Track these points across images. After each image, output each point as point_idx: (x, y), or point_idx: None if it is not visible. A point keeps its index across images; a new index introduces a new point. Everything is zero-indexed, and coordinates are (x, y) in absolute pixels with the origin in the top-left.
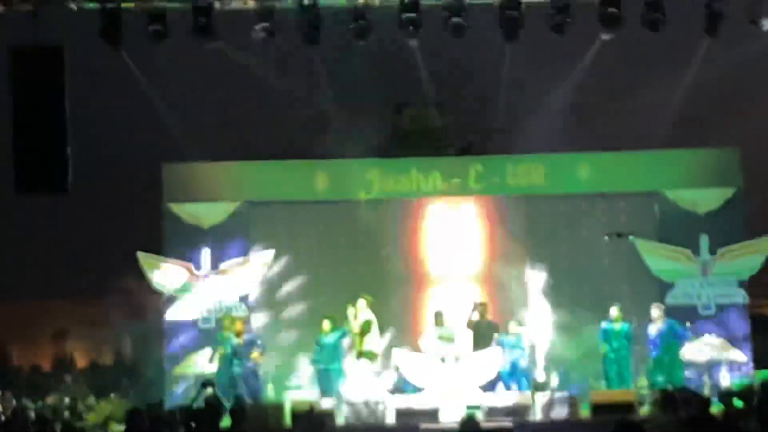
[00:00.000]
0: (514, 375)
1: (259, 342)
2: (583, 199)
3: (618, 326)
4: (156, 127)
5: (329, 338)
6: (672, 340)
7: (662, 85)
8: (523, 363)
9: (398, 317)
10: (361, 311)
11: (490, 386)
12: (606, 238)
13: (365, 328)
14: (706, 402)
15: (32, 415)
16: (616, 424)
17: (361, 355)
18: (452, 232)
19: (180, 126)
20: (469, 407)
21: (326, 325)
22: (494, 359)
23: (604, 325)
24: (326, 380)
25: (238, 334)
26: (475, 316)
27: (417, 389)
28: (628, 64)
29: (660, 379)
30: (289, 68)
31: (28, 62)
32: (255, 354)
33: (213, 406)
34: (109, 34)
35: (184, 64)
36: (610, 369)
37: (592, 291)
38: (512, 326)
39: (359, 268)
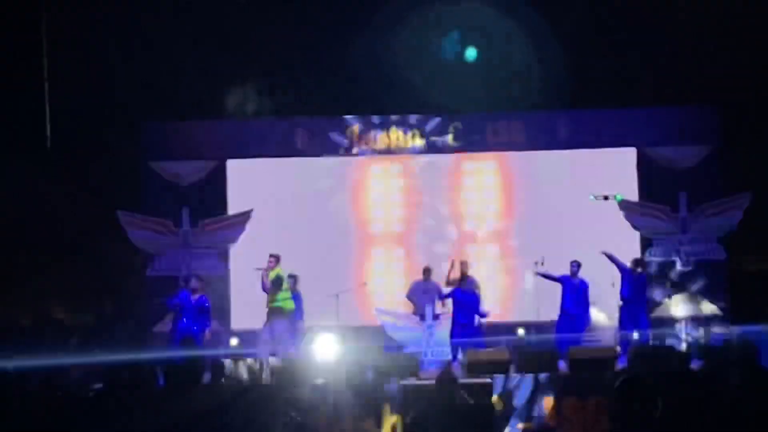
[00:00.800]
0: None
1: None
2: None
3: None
4: (136, 83)
5: None
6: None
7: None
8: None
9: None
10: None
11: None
12: (592, 197)
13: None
14: (686, 357)
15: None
16: (620, 382)
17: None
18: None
19: (160, 83)
20: (447, 362)
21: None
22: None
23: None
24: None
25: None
26: (455, 273)
27: (397, 346)
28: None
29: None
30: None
31: (4, 16)
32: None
33: (193, 362)
34: None
35: (166, 19)
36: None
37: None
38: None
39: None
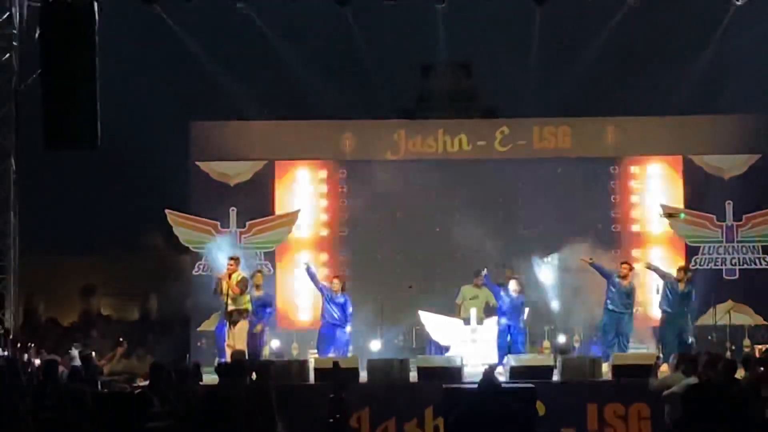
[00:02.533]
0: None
1: (269, 309)
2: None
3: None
4: (185, 84)
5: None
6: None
7: (688, 51)
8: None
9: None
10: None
11: (515, 347)
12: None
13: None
14: (733, 365)
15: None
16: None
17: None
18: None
19: (209, 84)
20: (489, 367)
21: (336, 284)
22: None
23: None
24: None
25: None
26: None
27: (440, 349)
28: (655, 29)
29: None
30: (317, 29)
31: (58, 18)
32: (259, 326)
33: (240, 362)
34: None
35: (215, 22)
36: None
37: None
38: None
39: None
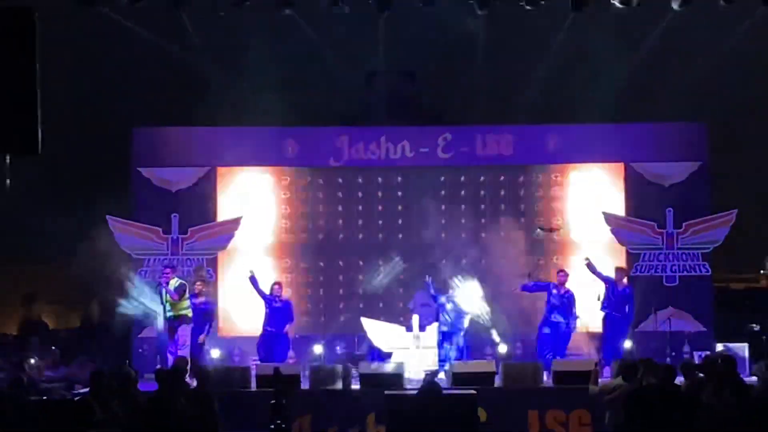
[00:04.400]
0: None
1: (212, 322)
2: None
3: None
4: (127, 90)
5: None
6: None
7: (628, 58)
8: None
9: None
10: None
11: (458, 354)
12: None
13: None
14: (672, 372)
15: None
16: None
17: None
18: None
19: (151, 90)
20: (430, 373)
21: (277, 290)
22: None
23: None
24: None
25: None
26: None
27: (383, 356)
28: (596, 36)
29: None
30: (259, 35)
31: None
32: (201, 337)
33: (179, 369)
34: None
35: (156, 27)
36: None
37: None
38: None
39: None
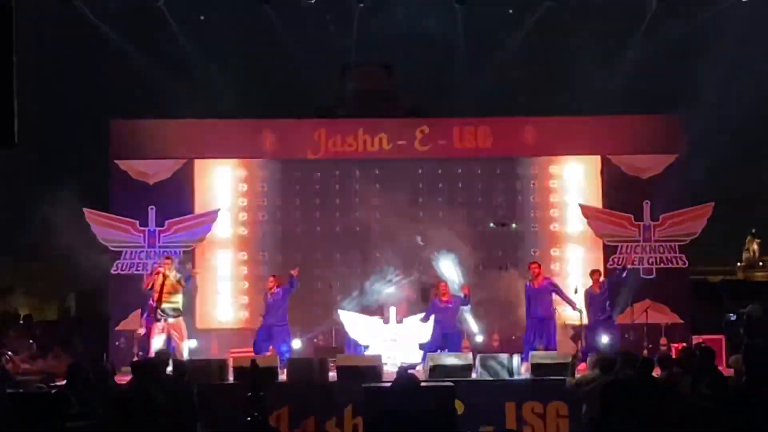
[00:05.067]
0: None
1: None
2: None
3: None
4: (104, 81)
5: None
6: None
7: (607, 51)
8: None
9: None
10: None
11: (432, 345)
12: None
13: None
14: (649, 364)
15: None
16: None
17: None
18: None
19: (128, 81)
20: (406, 365)
21: (271, 282)
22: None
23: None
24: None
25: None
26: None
27: (360, 347)
28: (575, 30)
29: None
30: (237, 27)
31: None
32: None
33: (159, 359)
34: None
35: (135, 19)
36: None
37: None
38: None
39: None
